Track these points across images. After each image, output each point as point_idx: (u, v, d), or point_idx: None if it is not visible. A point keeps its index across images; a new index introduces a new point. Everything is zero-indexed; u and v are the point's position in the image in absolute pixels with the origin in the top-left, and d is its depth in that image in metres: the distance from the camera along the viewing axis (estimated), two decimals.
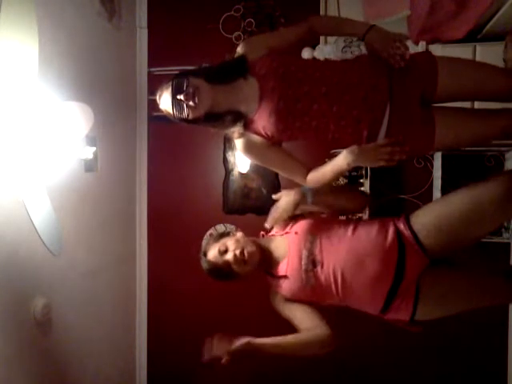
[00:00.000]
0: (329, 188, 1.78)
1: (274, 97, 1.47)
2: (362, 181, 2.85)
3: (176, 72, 1.51)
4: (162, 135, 3.40)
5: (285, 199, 1.71)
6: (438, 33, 2.46)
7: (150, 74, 3.38)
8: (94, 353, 2.84)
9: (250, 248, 1.61)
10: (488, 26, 2.41)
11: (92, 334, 2.81)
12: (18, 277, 2.15)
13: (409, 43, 1.69)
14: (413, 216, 1.60)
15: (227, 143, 3.28)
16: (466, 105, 1.81)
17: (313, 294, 1.57)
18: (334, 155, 2.87)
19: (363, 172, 2.83)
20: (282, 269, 1.61)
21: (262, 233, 1.77)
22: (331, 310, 1.65)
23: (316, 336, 1.55)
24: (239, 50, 1.56)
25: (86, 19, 2.73)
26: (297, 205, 1.68)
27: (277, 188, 3.22)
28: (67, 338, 2.54)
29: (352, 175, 2.90)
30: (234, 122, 1.51)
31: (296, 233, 1.62)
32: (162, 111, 1.54)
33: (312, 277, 1.54)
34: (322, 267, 1.54)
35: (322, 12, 2.91)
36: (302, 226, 1.64)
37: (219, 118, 1.49)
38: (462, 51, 2.39)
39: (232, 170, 3.33)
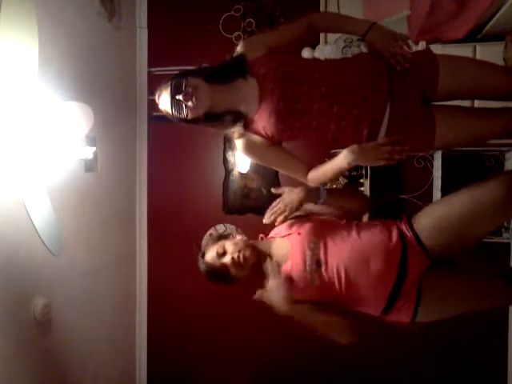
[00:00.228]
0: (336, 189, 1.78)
1: (274, 97, 1.46)
2: (362, 181, 2.85)
3: (176, 72, 1.51)
4: (162, 135, 3.40)
5: (289, 195, 1.67)
6: (437, 33, 2.46)
7: (149, 73, 3.38)
8: (93, 353, 2.84)
9: (247, 252, 1.58)
10: (488, 26, 2.41)
11: (92, 334, 2.81)
12: (18, 277, 2.15)
13: (409, 44, 1.69)
14: (414, 217, 1.59)
15: (227, 143, 3.28)
16: (466, 103, 1.81)
17: (317, 294, 1.56)
18: (334, 155, 2.89)
19: (363, 172, 2.83)
20: (285, 271, 1.57)
21: (261, 235, 1.74)
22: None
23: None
24: (238, 49, 1.56)
25: (86, 19, 2.73)
26: (301, 203, 1.65)
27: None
28: (67, 338, 2.54)
29: (352, 175, 2.90)
30: (233, 122, 1.51)
31: (299, 233, 1.59)
32: (162, 111, 1.54)
33: (316, 278, 1.52)
34: (326, 267, 1.52)
35: None
36: (303, 226, 1.62)
37: (219, 118, 1.49)
38: (462, 51, 2.39)
39: (232, 170, 3.33)
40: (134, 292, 3.47)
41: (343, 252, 1.53)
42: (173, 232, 3.45)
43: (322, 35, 2.90)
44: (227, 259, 1.58)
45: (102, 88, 2.90)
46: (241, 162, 3.23)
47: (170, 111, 1.47)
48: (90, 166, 2.72)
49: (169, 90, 1.44)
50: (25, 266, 2.18)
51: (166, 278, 3.44)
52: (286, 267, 1.57)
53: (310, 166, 1.62)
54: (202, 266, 1.65)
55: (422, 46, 2.53)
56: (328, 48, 2.78)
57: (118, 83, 3.18)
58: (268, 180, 3.25)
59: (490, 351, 3.03)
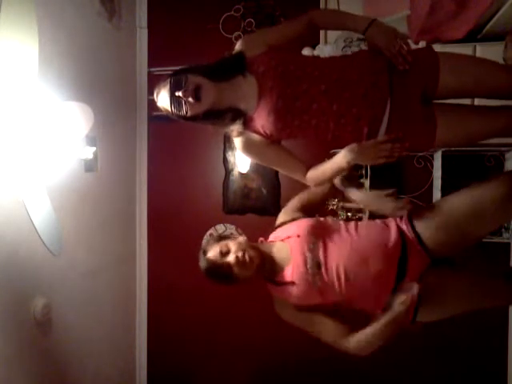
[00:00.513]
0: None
1: (273, 95, 1.46)
2: (362, 181, 2.85)
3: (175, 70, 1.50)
4: (162, 135, 3.40)
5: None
6: (437, 33, 2.46)
7: (149, 73, 3.38)
8: (93, 353, 2.84)
9: (251, 252, 1.55)
10: (488, 26, 2.41)
11: (92, 333, 2.81)
12: (18, 277, 2.15)
13: (409, 43, 1.69)
14: (415, 217, 1.59)
15: (227, 143, 3.28)
16: (467, 102, 1.80)
17: (319, 296, 1.54)
18: (334, 155, 2.89)
19: (363, 172, 2.83)
20: (287, 275, 1.56)
21: (260, 239, 1.71)
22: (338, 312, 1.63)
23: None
24: (237, 46, 1.55)
25: (86, 19, 2.73)
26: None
27: (277, 188, 3.23)
28: (67, 338, 2.54)
29: (352, 174, 2.89)
30: (233, 120, 1.50)
31: (298, 236, 1.58)
32: (161, 109, 1.53)
33: (318, 280, 1.51)
34: (325, 268, 1.51)
35: None
36: (302, 228, 1.61)
37: (219, 116, 1.48)
38: (461, 51, 2.35)
39: (232, 170, 3.33)
40: (134, 292, 3.47)
41: (342, 252, 1.53)
42: (173, 232, 3.45)
43: (321, 35, 2.90)
44: (231, 258, 1.55)
45: (102, 88, 2.90)
46: (241, 161, 3.23)
47: (169, 108, 1.46)
48: (90, 166, 2.72)
49: (168, 87, 1.44)
50: (25, 266, 2.18)
51: (165, 277, 3.44)
52: (288, 271, 1.55)
53: (309, 166, 1.62)
54: (204, 264, 1.60)
55: (422, 46, 2.53)
56: (328, 48, 2.78)
57: (118, 83, 3.18)
58: (268, 180, 3.25)
59: (489, 351, 3.03)
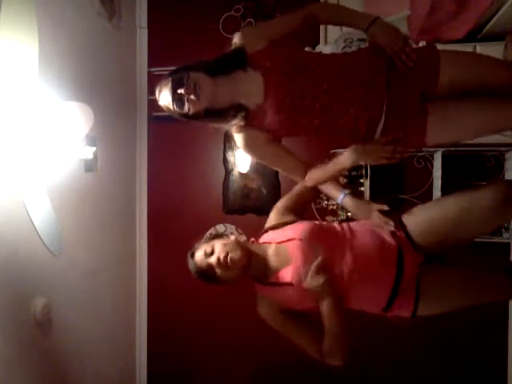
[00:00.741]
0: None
1: (280, 93, 1.44)
2: (361, 181, 2.85)
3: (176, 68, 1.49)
4: (162, 135, 3.40)
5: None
6: (437, 33, 2.46)
7: (149, 73, 3.38)
8: (93, 353, 2.84)
9: (234, 253, 1.52)
10: (488, 26, 2.41)
11: (92, 333, 2.81)
12: (18, 277, 2.15)
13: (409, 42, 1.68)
14: (405, 215, 1.64)
15: (227, 143, 3.28)
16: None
17: (315, 300, 1.52)
18: (334, 155, 2.89)
19: (363, 172, 2.83)
20: (285, 276, 1.53)
21: (251, 239, 1.69)
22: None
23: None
24: (236, 40, 1.51)
25: (86, 19, 2.73)
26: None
27: (277, 188, 3.23)
28: (67, 338, 2.54)
29: (352, 175, 2.90)
30: (234, 116, 1.48)
31: (300, 239, 1.55)
32: (162, 108, 1.51)
33: (320, 282, 1.47)
34: (329, 271, 1.49)
35: None
36: (303, 232, 1.58)
37: (221, 114, 1.46)
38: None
39: (232, 170, 3.33)
40: (134, 292, 3.47)
41: (344, 255, 1.53)
42: (173, 232, 3.45)
43: (321, 35, 2.90)
44: (213, 259, 1.54)
45: (102, 88, 2.90)
46: (241, 161, 3.23)
47: (170, 107, 1.44)
48: (90, 166, 2.72)
49: (169, 85, 1.42)
50: (25, 266, 2.18)
51: (165, 277, 3.44)
52: (286, 272, 1.54)
53: (309, 166, 1.61)
54: (191, 266, 1.62)
55: (422, 45, 2.53)
56: (328, 48, 2.78)
57: (118, 83, 3.18)
58: (268, 180, 3.25)
59: (489, 350, 3.03)
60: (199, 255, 1.59)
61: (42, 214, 1.84)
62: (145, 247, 3.50)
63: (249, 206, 3.31)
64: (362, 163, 1.58)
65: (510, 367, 3.00)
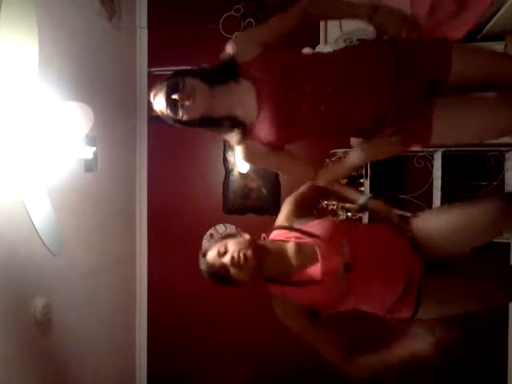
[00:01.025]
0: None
1: (273, 104, 1.40)
2: (362, 181, 2.85)
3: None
4: (162, 135, 3.40)
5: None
6: (438, 33, 2.46)
7: (149, 73, 3.38)
8: (93, 353, 2.84)
9: (249, 252, 1.44)
10: (488, 26, 2.41)
11: (92, 333, 2.81)
12: (18, 277, 2.15)
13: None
14: (409, 222, 1.62)
15: (227, 143, 3.28)
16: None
17: (339, 299, 1.49)
18: (334, 155, 2.90)
19: (363, 172, 2.83)
20: (310, 274, 1.47)
21: (263, 235, 1.62)
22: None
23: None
24: (228, 49, 1.47)
25: (86, 19, 2.73)
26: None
27: (277, 188, 3.23)
28: (67, 338, 2.54)
29: (352, 175, 2.90)
30: (231, 128, 1.46)
31: (324, 236, 1.51)
32: (156, 112, 1.48)
33: (345, 281, 1.46)
34: (354, 272, 1.46)
35: None
36: (324, 229, 1.54)
37: (216, 123, 1.44)
38: None
39: (232, 170, 3.33)
40: (134, 292, 3.47)
41: (367, 256, 1.50)
42: (173, 232, 3.45)
43: (321, 35, 2.90)
44: (227, 259, 1.46)
45: (102, 88, 2.90)
46: (241, 162, 3.24)
47: (164, 111, 1.41)
48: (90, 166, 2.72)
49: (164, 90, 1.39)
50: (25, 266, 2.18)
51: (165, 277, 3.44)
52: (313, 270, 1.47)
53: (316, 166, 1.60)
54: (203, 266, 1.53)
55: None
56: (328, 48, 2.78)
57: (118, 83, 3.18)
58: (268, 180, 3.25)
59: (489, 350, 3.03)
60: (212, 255, 1.50)
61: (42, 213, 1.84)
62: (145, 247, 3.50)
63: (249, 206, 3.31)
64: (374, 160, 1.54)
65: (510, 367, 3.00)
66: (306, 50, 2.85)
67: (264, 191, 3.28)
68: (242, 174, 3.31)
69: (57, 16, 2.42)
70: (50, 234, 1.95)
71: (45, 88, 2.10)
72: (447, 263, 1.61)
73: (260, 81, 1.42)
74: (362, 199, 1.68)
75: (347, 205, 2.80)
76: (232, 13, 3.24)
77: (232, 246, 1.48)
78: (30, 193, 1.77)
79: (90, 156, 2.34)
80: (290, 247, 1.52)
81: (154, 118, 3.31)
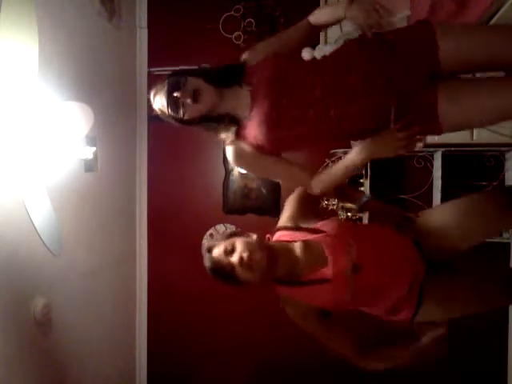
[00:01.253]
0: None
1: (265, 105, 1.41)
2: (361, 181, 2.85)
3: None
4: (162, 135, 3.40)
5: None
6: None
7: (149, 73, 3.39)
8: (93, 353, 2.84)
9: (258, 253, 1.40)
10: None
11: (92, 333, 2.81)
12: (18, 277, 2.15)
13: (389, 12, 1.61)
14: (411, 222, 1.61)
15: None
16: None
17: (348, 300, 1.47)
18: (334, 155, 2.90)
19: (363, 172, 2.83)
20: (322, 273, 1.44)
21: (267, 235, 1.58)
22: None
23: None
24: (243, 56, 1.51)
25: (86, 19, 2.73)
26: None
27: (277, 188, 3.23)
28: (67, 338, 2.54)
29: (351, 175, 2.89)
30: (228, 126, 1.46)
31: (335, 236, 1.49)
32: (156, 110, 1.48)
33: (353, 282, 1.43)
34: (362, 272, 1.44)
35: None
36: (332, 229, 1.52)
37: (215, 120, 1.45)
38: None
39: (232, 169, 3.33)
40: (134, 292, 3.47)
41: (373, 255, 1.48)
42: (173, 232, 3.45)
43: (321, 35, 2.90)
44: (235, 258, 1.40)
45: (102, 88, 2.90)
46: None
47: (164, 110, 1.41)
48: (90, 166, 2.72)
49: (165, 88, 1.39)
50: (25, 266, 2.18)
51: (165, 277, 3.44)
52: (325, 270, 1.44)
53: (312, 171, 1.54)
54: (207, 263, 1.48)
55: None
56: (328, 48, 2.78)
57: (118, 83, 3.18)
58: (268, 180, 3.25)
59: (490, 350, 3.03)
60: (218, 252, 1.45)
61: (42, 213, 1.84)
62: (145, 247, 3.50)
63: (249, 206, 3.31)
64: (377, 157, 1.45)
65: (510, 367, 3.00)
66: (306, 50, 2.85)
67: (264, 191, 3.28)
68: (241, 174, 3.31)
69: (57, 16, 2.42)
70: (50, 234, 1.95)
71: (45, 88, 2.10)
72: (448, 265, 1.61)
73: (256, 84, 1.44)
74: (362, 199, 1.67)
75: (347, 205, 2.80)
76: (232, 13, 3.25)
77: (240, 246, 1.43)
78: (30, 193, 1.77)
79: (90, 156, 2.34)
80: (298, 247, 1.49)
81: (153, 118, 3.31)
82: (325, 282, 1.43)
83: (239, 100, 1.45)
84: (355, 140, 1.55)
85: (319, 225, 1.57)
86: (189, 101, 1.37)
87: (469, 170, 2.90)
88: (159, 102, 1.44)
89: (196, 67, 1.50)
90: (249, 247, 1.41)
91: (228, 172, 3.35)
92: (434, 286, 1.53)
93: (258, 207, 3.27)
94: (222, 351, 3.41)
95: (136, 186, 3.47)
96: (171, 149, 3.46)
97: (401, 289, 1.49)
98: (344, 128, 1.44)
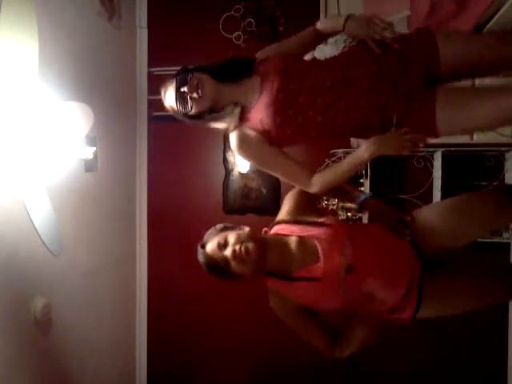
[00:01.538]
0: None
1: (274, 88, 1.45)
2: (361, 181, 2.85)
3: (179, 69, 1.51)
4: (162, 135, 3.40)
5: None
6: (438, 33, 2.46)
7: (150, 73, 3.38)
8: (94, 353, 2.84)
9: (251, 245, 1.42)
10: (488, 26, 2.40)
11: (92, 333, 2.81)
12: (18, 277, 2.15)
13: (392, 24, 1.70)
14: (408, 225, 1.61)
15: (227, 143, 3.28)
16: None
17: (337, 300, 1.48)
18: (334, 155, 2.90)
19: (363, 172, 2.83)
20: (313, 271, 1.44)
21: (264, 229, 1.61)
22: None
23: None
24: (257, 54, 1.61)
25: (86, 19, 2.73)
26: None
27: (277, 188, 3.23)
28: (67, 338, 2.54)
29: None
30: (233, 110, 1.49)
31: (331, 235, 1.49)
32: (167, 109, 1.53)
33: (345, 283, 1.43)
34: (355, 274, 1.44)
35: (321, 12, 2.91)
36: (331, 230, 1.51)
37: (220, 110, 1.49)
38: None
39: (232, 170, 3.34)
40: (134, 292, 3.47)
41: (369, 257, 1.48)
42: (173, 232, 3.45)
43: None
44: (228, 252, 1.43)
45: (102, 88, 2.90)
46: (241, 161, 3.23)
47: (174, 106, 1.46)
48: (90, 166, 2.72)
49: (174, 85, 1.45)
50: (25, 266, 2.18)
51: (165, 277, 3.44)
52: (316, 267, 1.45)
53: (313, 169, 1.55)
54: (201, 258, 1.50)
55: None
56: (328, 48, 2.78)
57: (118, 83, 3.18)
58: (268, 180, 3.25)
59: (490, 350, 3.03)
60: (211, 247, 1.48)
61: (42, 213, 1.84)
62: (145, 247, 3.50)
63: (249, 206, 3.31)
64: (383, 154, 1.47)
65: (510, 367, 3.00)
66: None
67: (264, 191, 3.28)
68: (241, 174, 3.31)
69: (57, 16, 2.42)
70: (50, 234, 1.95)
71: (45, 88, 2.10)
72: (447, 262, 1.61)
73: (266, 72, 1.49)
74: (361, 197, 1.68)
75: (347, 205, 2.80)
76: (232, 13, 3.24)
77: (232, 239, 1.45)
78: (30, 193, 1.77)
79: (90, 156, 2.34)
80: (292, 241, 1.50)
81: (154, 118, 3.34)
82: (314, 280, 1.43)
83: (248, 88, 1.50)
84: (358, 137, 1.58)
85: (317, 222, 1.57)
86: (195, 95, 1.42)
87: (469, 170, 2.90)
88: (169, 99, 1.49)
89: (202, 64, 1.54)
90: (241, 239, 1.43)
91: (228, 172, 3.35)
92: (434, 285, 1.53)
93: (258, 207, 3.26)
94: (222, 351, 3.41)
95: (136, 186, 3.47)
96: (171, 149, 3.46)
97: (397, 291, 1.49)
98: (352, 118, 1.47)
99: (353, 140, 2.81)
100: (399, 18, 2.59)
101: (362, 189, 2.84)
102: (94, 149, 2.38)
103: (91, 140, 2.63)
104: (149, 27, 3.41)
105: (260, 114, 1.48)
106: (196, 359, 3.47)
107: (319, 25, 1.60)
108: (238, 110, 1.49)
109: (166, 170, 3.48)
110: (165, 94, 1.51)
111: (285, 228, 1.58)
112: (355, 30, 1.50)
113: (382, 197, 3.02)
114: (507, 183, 2.82)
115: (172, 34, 3.39)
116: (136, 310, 3.49)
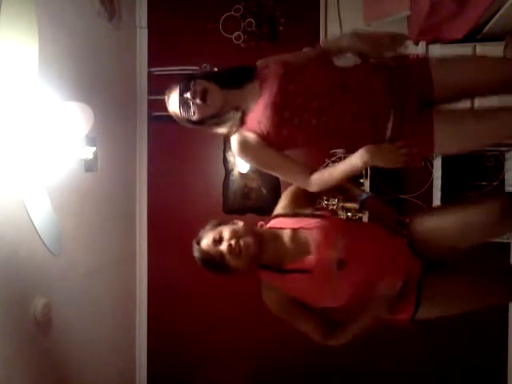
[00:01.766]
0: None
1: (272, 90, 1.47)
2: (361, 181, 2.85)
3: (176, 72, 1.53)
4: (162, 135, 3.40)
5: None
6: (437, 33, 2.46)
7: (150, 73, 3.38)
8: (94, 353, 2.84)
9: (246, 239, 1.45)
10: (488, 26, 2.41)
11: (92, 333, 2.81)
12: (18, 277, 2.15)
13: (409, 43, 1.72)
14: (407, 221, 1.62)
15: (227, 143, 3.28)
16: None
17: (328, 295, 1.50)
18: (334, 155, 2.90)
19: (363, 172, 2.83)
20: (304, 263, 1.46)
21: (260, 223, 1.63)
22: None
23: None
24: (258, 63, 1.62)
25: (86, 19, 2.73)
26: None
27: (277, 188, 3.23)
28: (67, 338, 2.54)
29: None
30: (234, 114, 1.51)
31: (325, 229, 1.51)
32: (171, 113, 1.55)
33: (336, 277, 1.45)
34: (346, 269, 1.45)
35: (321, 12, 2.91)
36: (326, 223, 1.54)
37: (221, 116, 1.50)
38: (461, 51, 2.39)
39: (232, 170, 3.34)
40: (134, 292, 3.47)
41: (363, 256, 1.49)
42: (173, 232, 3.45)
43: (321, 35, 2.90)
44: (223, 246, 1.46)
45: (102, 88, 2.90)
46: (241, 161, 3.23)
47: (177, 111, 1.48)
48: (90, 166, 2.72)
49: (178, 90, 1.47)
50: (25, 266, 2.18)
51: (165, 277, 3.44)
52: (307, 259, 1.47)
53: (312, 170, 1.57)
54: (196, 254, 1.53)
55: (422, 45, 2.53)
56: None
57: (118, 83, 3.18)
58: (268, 180, 3.25)
59: (489, 350, 3.03)
60: (207, 242, 1.50)
61: (42, 213, 1.84)
62: (145, 247, 3.50)
63: (249, 206, 3.31)
64: (376, 165, 1.50)
65: (510, 367, 3.00)
66: (307, 50, 2.85)
67: (264, 191, 3.28)
68: (241, 174, 3.31)
69: (57, 16, 2.42)
70: (50, 234, 1.95)
71: (45, 88, 2.10)
72: (447, 263, 1.61)
73: (266, 76, 1.51)
74: (363, 195, 1.69)
75: (347, 205, 2.80)
76: (232, 13, 3.24)
77: (227, 234, 1.48)
78: (30, 193, 1.77)
79: (90, 156, 2.34)
80: (286, 234, 1.53)
81: (154, 118, 3.34)
82: (305, 272, 1.45)
83: (248, 93, 1.52)
84: (352, 145, 1.57)
85: (312, 216, 1.59)
86: (198, 101, 1.44)
87: (469, 170, 2.90)
88: (173, 105, 1.51)
89: (205, 70, 1.57)
90: (236, 234, 1.46)
91: (228, 172, 3.35)
92: (433, 284, 1.54)
93: (258, 207, 3.26)
94: (222, 351, 3.41)
95: (136, 186, 3.47)
96: (171, 149, 3.46)
97: (393, 284, 1.50)
98: (344, 124, 1.48)
99: None
100: (399, 18, 2.59)
101: (362, 189, 2.84)
102: (94, 149, 2.38)
103: (91, 140, 2.63)
104: (149, 27, 3.41)
105: (259, 115, 1.50)
106: (196, 359, 3.47)
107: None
108: (238, 115, 1.51)
109: (165, 170, 3.48)
110: (168, 99, 1.53)
111: (281, 221, 1.61)
112: (363, 46, 1.52)
113: (382, 197, 3.02)
114: (507, 191, 2.81)
115: (172, 34, 3.39)
116: (136, 310, 3.49)
